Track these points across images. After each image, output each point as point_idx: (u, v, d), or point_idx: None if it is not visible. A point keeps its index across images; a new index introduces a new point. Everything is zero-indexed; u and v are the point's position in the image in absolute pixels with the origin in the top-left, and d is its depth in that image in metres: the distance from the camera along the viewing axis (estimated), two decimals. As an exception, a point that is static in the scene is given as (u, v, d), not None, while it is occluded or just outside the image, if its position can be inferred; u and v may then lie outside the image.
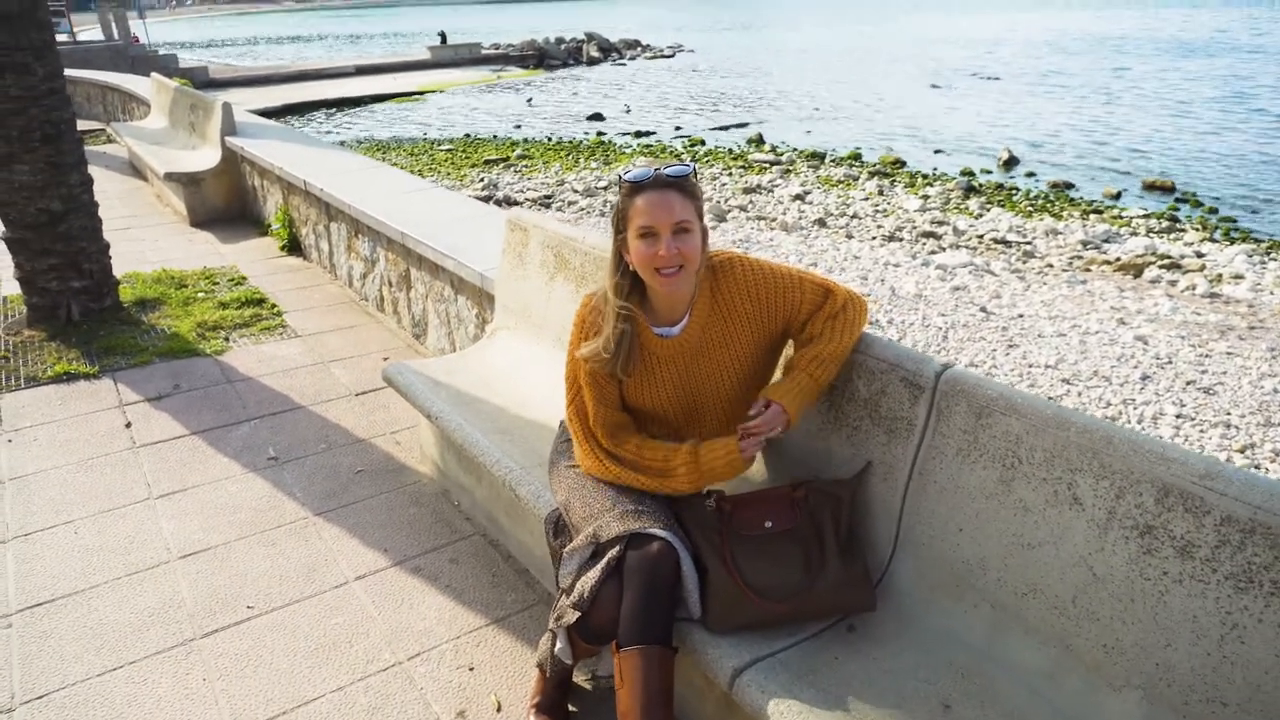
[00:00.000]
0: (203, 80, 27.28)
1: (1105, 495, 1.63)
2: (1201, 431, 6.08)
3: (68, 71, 14.17)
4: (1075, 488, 1.68)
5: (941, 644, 1.86)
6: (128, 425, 3.95)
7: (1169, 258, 10.32)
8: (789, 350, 2.21)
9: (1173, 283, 9.65)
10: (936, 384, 1.92)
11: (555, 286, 3.17)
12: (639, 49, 42.45)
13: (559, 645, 2.10)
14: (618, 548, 1.93)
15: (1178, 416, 6.30)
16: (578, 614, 1.94)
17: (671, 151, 17.32)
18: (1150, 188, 14.30)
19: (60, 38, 24.59)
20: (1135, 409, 6.43)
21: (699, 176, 1.86)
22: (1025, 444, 1.75)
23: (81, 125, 12.92)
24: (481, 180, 14.35)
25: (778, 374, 2.23)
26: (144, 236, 7.11)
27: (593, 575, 1.94)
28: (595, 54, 39.14)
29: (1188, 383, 6.81)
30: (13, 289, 5.31)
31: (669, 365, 2.10)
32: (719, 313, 2.07)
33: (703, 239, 1.99)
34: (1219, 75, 28.18)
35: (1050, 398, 6.69)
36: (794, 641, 1.90)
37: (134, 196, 8.59)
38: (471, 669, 2.52)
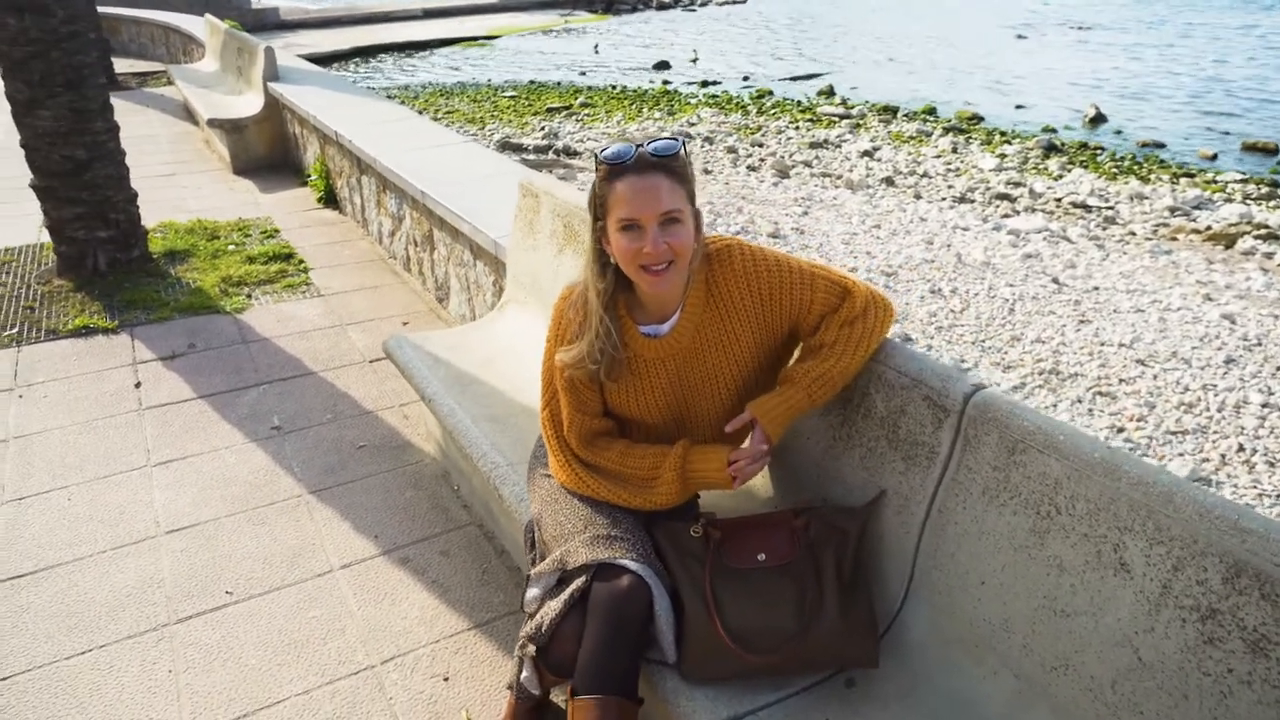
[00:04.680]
0: (274, 21, 27.19)
1: (1160, 565, 1.32)
2: (1290, 424, 5.57)
3: (132, 12, 14.30)
4: (1123, 550, 1.37)
5: (954, 711, 1.59)
6: (137, 385, 3.84)
7: (1267, 227, 9.55)
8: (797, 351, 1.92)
9: (1269, 255, 8.92)
10: (965, 408, 1.61)
11: (564, 259, 2.91)
12: (712, -7, 41.17)
13: (525, 674, 1.88)
14: (583, 578, 1.70)
15: (1264, 405, 5.77)
16: (536, 647, 1.72)
17: (738, 103, 16.72)
18: (1250, 149, 13.30)
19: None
20: (1216, 395, 5.92)
21: (693, 149, 1.53)
22: (1065, 490, 1.44)
23: (144, 67, 13.02)
24: (543, 129, 14.01)
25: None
26: (187, 184, 7.02)
27: (554, 606, 1.71)
28: (666, -2, 38.09)
29: (1278, 368, 6.25)
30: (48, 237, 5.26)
31: (658, 369, 1.83)
32: (715, 309, 1.79)
33: (696, 226, 1.70)
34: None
35: (1122, 379, 6.22)
36: (782, 696, 1.65)
37: (184, 142, 8.52)
38: (446, 679, 2.33)
